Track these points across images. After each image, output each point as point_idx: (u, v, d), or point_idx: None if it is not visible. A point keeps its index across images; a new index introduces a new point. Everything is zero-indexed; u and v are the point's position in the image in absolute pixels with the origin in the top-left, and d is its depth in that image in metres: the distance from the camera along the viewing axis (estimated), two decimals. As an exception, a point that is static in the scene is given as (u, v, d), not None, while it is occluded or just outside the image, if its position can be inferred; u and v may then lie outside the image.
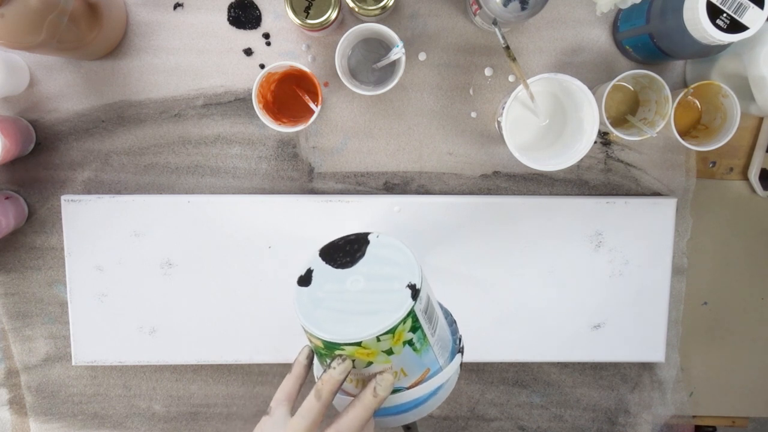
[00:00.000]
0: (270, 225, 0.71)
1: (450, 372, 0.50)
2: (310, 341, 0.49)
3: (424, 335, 0.47)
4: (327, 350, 0.47)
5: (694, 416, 0.79)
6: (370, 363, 0.46)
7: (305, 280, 0.52)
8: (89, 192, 0.73)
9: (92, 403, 0.77)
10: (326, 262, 0.53)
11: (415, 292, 0.46)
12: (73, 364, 0.73)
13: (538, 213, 0.72)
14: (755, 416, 0.80)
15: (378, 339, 0.45)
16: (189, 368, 0.76)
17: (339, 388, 0.45)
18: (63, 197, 0.70)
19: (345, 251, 0.53)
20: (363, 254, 0.52)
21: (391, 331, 0.45)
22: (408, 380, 0.48)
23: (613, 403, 0.78)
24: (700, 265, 0.76)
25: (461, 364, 0.53)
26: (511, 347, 0.74)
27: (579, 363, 0.77)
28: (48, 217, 0.73)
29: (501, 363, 0.77)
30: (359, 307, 0.47)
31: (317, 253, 0.54)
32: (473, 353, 0.74)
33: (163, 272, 0.72)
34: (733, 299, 0.77)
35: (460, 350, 0.52)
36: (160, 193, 0.73)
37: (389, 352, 0.45)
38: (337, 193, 0.73)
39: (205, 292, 0.72)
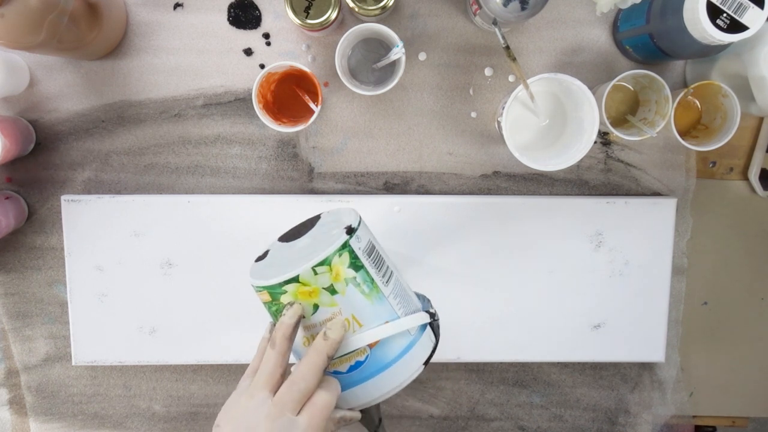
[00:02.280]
0: (270, 225, 0.71)
1: (411, 323, 0.48)
2: (264, 304, 0.49)
3: (371, 279, 0.47)
4: (275, 301, 0.47)
5: (694, 416, 0.79)
6: (316, 307, 0.46)
7: (261, 257, 0.53)
8: (89, 192, 0.73)
9: (92, 403, 0.77)
10: (281, 242, 0.55)
11: (350, 230, 0.47)
12: (73, 364, 0.73)
13: (538, 213, 0.72)
14: (755, 416, 0.80)
15: (315, 272, 0.45)
16: (189, 368, 0.76)
17: (292, 334, 0.45)
18: (63, 197, 0.70)
19: (298, 231, 0.55)
20: (313, 227, 0.54)
21: (326, 263, 0.45)
22: (364, 331, 0.47)
23: (613, 403, 0.78)
24: (700, 265, 0.76)
25: (436, 334, 0.51)
26: (511, 347, 0.74)
27: (579, 363, 0.77)
28: (48, 217, 0.73)
29: (501, 363, 0.77)
30: (301, 254, 0.48)
31: (276, 239, 0.57)
32: (473, 353, 0.74)
33: (163, 272, 0.72)
34: (733, 299, 0.77)
35: (432, 315, 0.51)
36: (160, 193, 0.73)
37: (332, 290, 0.45)
38: (337, 193, 0.73)
39: (205, 292, 0.72)
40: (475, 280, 0.72)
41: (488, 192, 0.74)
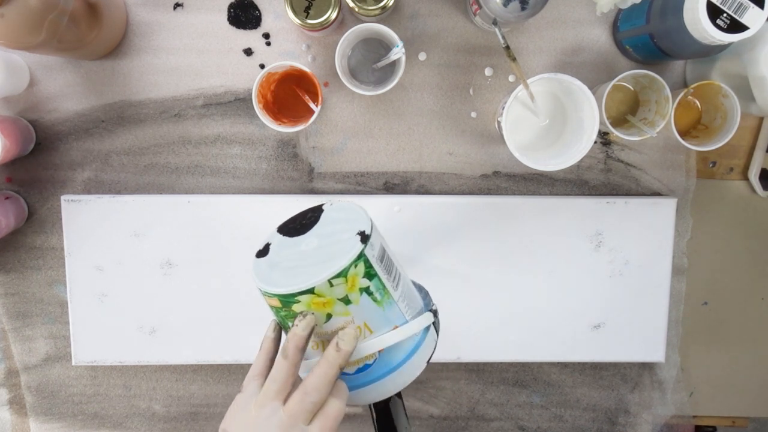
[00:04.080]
0: (270, 225, 0.71)
1: (418, 327, 0.48)
2: (270, 306, 0.48)
3: (383, 286, 0.46)
4: (285, 308, 0.46)
5: (694, 416, 0.79)
6: (329, 316, 0.45)
7: (263, 252, 0.52)
8: (89, 192, 0.73)
9: (92, 403, 0.77)
10: (283, 235, 0.53)
11: (364, 237, 0.46)
12: (73, 364, 0.73)
13: (538, 213, 0.72)
14: (755, 416, 0.80)
15: (331, 284, 0.44)
16: (189, 368, 0.76)
17: (305, 345, 0.44)
18: (63, 197, 0.70)
19: (301, 223, 0.53)
20: (317, 220, 0.52)
21: (343, 274, 0.44)
22: (375, 337, 0.47)
23: (613, 403, 0.78)
24: (700, 265, 0.76)
25: (437, 331, 0.51)
26: (511, 347, 0.74)
27: (579, 363, 0.77)
28: (48, 217, 0.73)
29: (501, 363, 0.77)
30: (312, 260, 0.47)
31: (275, 229, 0.55)
32: (473, 353, 0.74)
33: (163, 272, 0.72)
34: (733, 299, 0.77)
35: (434, 313, 0.51)
36: (160, 193, 0.73)
37: (346, 300, 0.45)
38: (337, 193, 0.73)
39: (205, 292, 0.72)
40: (475, 280, 0.72)
41: (488, 192, 0.74)
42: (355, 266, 0.44)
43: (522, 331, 0.73)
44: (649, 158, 0.74)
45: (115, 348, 0.73)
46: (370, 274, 0.45)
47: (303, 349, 0.45)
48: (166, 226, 0.71)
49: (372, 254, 0.46)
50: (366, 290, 0.45)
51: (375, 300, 0.46)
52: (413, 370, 0.48)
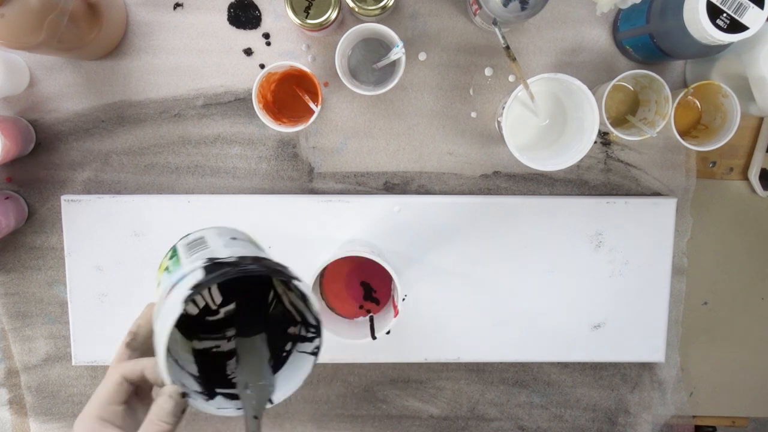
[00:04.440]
0: (270, 225, 0.71)
1: (182, 272, 0.45)
2: None
3: (179, 259, 0.49)
4: None
5: (694, 416, 0.79)
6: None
7: None
8: (89, 192, 0.73)
9: (92, 403, 0.76)
10: None
11: (183, 237, 0.51)
12: (73, 364, 0.73)
13: (538, 213, 0.72)
14: (755, 416, 0.80)
15: (158, 281, 0.50)
16: (189, 368, 0.76)
17: (132, 330, 0.49)
18: (63, 197, 0.70)
19: None
20: None
21: (160, 268, 0.50)
22: None
23: (613, 403, 0.78)
24: (700, 265, 0.76)
25: (212, 271, 0.44)
26: (511, 347, 0.74)
27: (579, 363, 0.77)
28: (48, 217, 0.73)
29: (501, 363, 0.77)
30: None
31: None
32: (473, 353, 0.74)
33: (163, 272, 0.72)
34: (733, 299, 0.77)
35: (215, 260, 0.46)
36: (160, 193, 0.73)
37: (158, 283, 0.50)
38: (337, 193, 0.73)
39: (205, 292, 0.72)
40: (475, 280, 0.72)
41: (488, 192, 0.74)
42: (166, 255, 0.50)
43: (522, 331, 0.73)
44: (649, 158, 0.74)
45: (115, 348, 0.73)
46: (172, 255, 0.49)
47: (130, 333, 0.49)
48: (166, 226, 0.71)
49: (182, 243, 0.50)
50: (166, 269, 0.49)
51: (169, 271, 0.49)
52: (175, 302, 0.44)
